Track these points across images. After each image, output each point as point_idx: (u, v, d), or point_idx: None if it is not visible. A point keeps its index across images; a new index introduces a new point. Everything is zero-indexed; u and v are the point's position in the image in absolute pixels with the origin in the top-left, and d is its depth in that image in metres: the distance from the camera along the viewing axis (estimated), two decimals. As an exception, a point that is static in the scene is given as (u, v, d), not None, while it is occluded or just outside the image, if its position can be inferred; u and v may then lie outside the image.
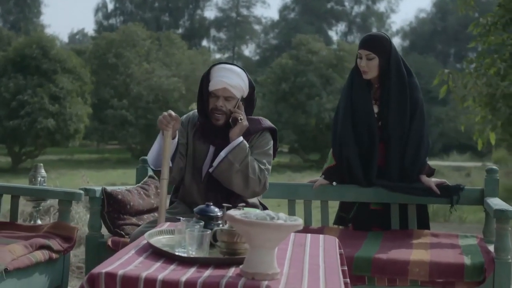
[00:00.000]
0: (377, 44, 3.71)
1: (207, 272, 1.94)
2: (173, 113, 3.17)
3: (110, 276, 1.83)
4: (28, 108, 22.35)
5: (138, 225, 3.63)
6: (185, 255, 2.08)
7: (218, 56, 51.74)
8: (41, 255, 3.14)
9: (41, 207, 3.99)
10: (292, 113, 27.46)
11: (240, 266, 1.96)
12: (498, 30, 9.86)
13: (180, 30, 50.72)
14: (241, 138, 3.27)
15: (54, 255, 3.26)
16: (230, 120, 3.28)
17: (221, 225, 2.29)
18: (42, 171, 3.96)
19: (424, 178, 3.75)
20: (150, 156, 3.30)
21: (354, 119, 3.79)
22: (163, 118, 3.16)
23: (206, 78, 3.35)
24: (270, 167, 3.35)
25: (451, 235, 3.73)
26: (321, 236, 2.63)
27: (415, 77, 3.85)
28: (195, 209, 2.40)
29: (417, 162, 3.73)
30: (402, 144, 3.74)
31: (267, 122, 3.46)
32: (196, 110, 3.52)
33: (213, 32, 55.35)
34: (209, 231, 2.12)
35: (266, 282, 1.85)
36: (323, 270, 2.05)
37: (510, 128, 9.71)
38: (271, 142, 3.42)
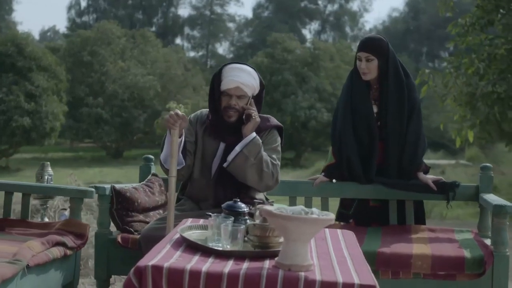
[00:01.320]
0: (375, 46, 3.84)
1: (245, 265, 2.05)
2: (179, 112, 3.26)
3: (157, 268, 1.93)
4: (3, 106, 22.14)
5: (146, 222, 3.72)
6: (220, 248, 2.19)
7: (192, 54, 51.70)
8: (57, 252, 3.20)
9: (48, 205, 4.04)
10: (267, 111, 27.50)
11: (276, 259, 2.08)
12: (476, 31, 10.08)
13: (153, 28, 50.54)
14: (254, 134, 3.39)
15: (68, 252, 3.33)
16: (244, 117, 3.40)
17: (248, 220, 2.40)
18: (49, 170, 4.02)
19: (421, 175, 3.90)
20: (163, 156, 3.39)
21: (354, 119, 3.91)
22: (170, 117, 3.24)
23: (217, 78, 3.45)
24: (279, 163, 3.47)
25: (447, 230, 3.87)
26: (338, 230, 2.75)
27: (412, 78, 3.99)
28: (223, 205, 2.50)
29: (415, 160, 3.87)
30: (400, 143, 3.86)
31: (274, 120, 3.60)
32: (203, 110, 3.63)
33: (186, 30, 55.33)
34: (243, 226, 2.24)
35: (302, 273, 1.97)
36: (350, 261, 2.17)
37: (488, 127, 9.93)
38: (279, 139, 3.55)
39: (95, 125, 28.25)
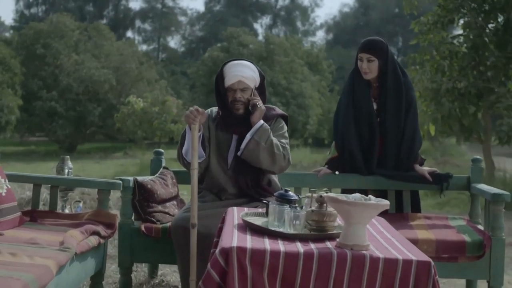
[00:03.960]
0: (376, 47, 4.14)
1: (312, 246, 2.31)
2: (199, 108, 3.52)
3: (241, 249, 2.18)
4: (-43, 99, 21.79)
5: (164, 212, 3.94)
6: (285, 232, 2.45)
7: (144, 47, 51.38)
8: (94, 240, 3.39)
9: (68, 197, 4.21)
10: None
11: (337, 239, 2.35)
12: (438, 29, 10.53)
13: (104, 21, 50.05)
14: (262, 121, 3.69)
15: (101, 241, 3.52)
16: (250, 107, 3.69)
17: (297, 207, 2.65)
18: (69, 163, 4.19)
19: (417, 167, 4.22)
20: (184, 150, 3.64)
21: (356, 116, 4.21)
22: (190, 113, 3.49)
23: (220, 76, 3.74)
24: (288, 147, 3.76)
25: (441, 217, 4.21)
26: (371, 216, 3.03)
27: (408, 77, 4.31)
28: (275, 194, 2.76)
29: (412, 153, 4.20)
30: (398, 137, 4.18)
31: (279, 110, 3.92)
32: (213, 108, 3.93)
33: (138, 23, 54.97)
34: (304, 212, 2.50)
35: (365, 252, 2.24)
36: (397, 242, 2.46)
37: (449, 121, 10.40)
38: (286, 127, 3.85)
39: (49, 119, 27.88)
